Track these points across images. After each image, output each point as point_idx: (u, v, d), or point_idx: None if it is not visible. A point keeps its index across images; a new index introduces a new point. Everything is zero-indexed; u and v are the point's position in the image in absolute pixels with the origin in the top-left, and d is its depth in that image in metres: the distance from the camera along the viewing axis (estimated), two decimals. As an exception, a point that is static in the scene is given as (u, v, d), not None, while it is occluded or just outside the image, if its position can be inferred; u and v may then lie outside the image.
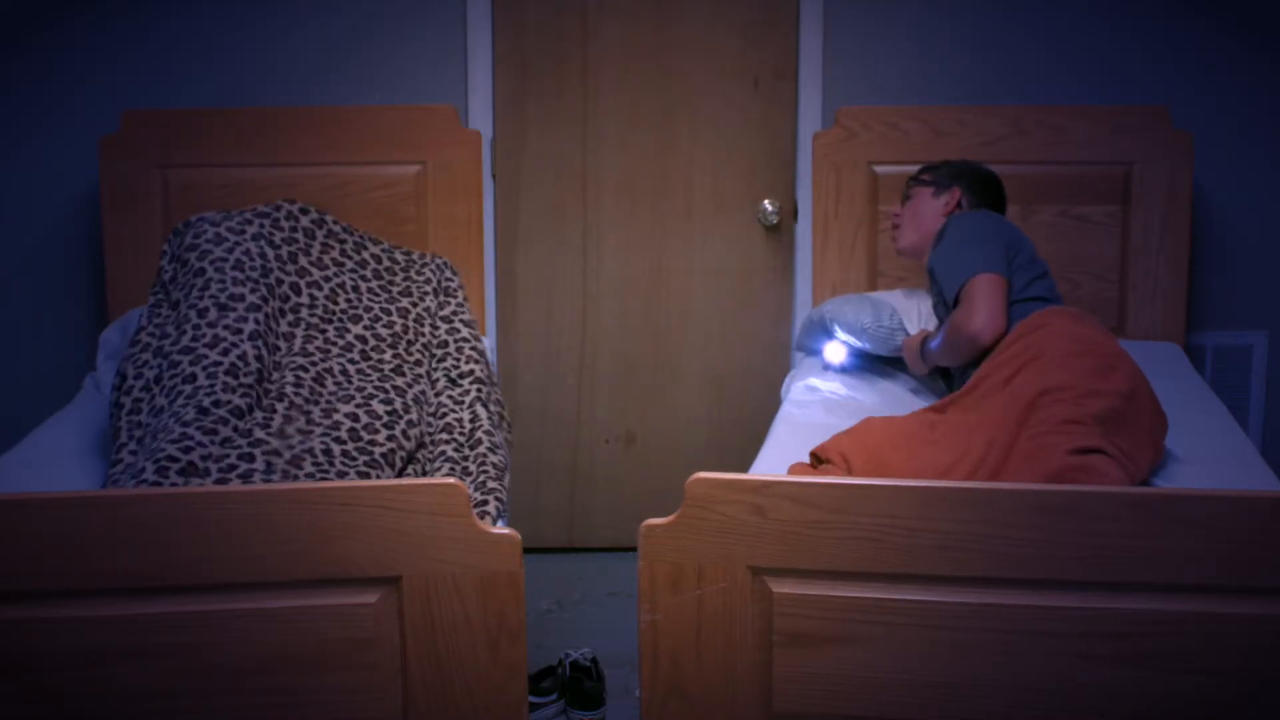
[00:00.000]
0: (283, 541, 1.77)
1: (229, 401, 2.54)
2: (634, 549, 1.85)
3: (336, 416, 2.59)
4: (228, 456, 2.44)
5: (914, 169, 3.49)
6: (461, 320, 3.19)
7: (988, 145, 3.65)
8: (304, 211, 3.13)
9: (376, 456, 2.52)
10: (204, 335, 2.70)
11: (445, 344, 3.07)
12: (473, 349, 3.10)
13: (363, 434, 2.55)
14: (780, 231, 3.92)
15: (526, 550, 1.86)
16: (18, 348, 3.83)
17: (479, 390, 2.96)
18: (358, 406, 2.62)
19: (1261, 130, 3.78)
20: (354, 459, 2.51)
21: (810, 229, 3.77)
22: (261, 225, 3.01)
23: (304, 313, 2.91)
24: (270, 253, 2.96)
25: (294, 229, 3.07)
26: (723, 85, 3.84)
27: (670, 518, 1.79)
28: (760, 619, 1.80)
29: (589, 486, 4.05)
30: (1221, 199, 3.81)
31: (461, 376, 3.00)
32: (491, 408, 2.96)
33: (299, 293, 2.94)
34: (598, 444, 4.03)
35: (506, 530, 1.81)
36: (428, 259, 3.35)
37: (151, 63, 3.73)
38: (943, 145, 3.65)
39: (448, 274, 3.32)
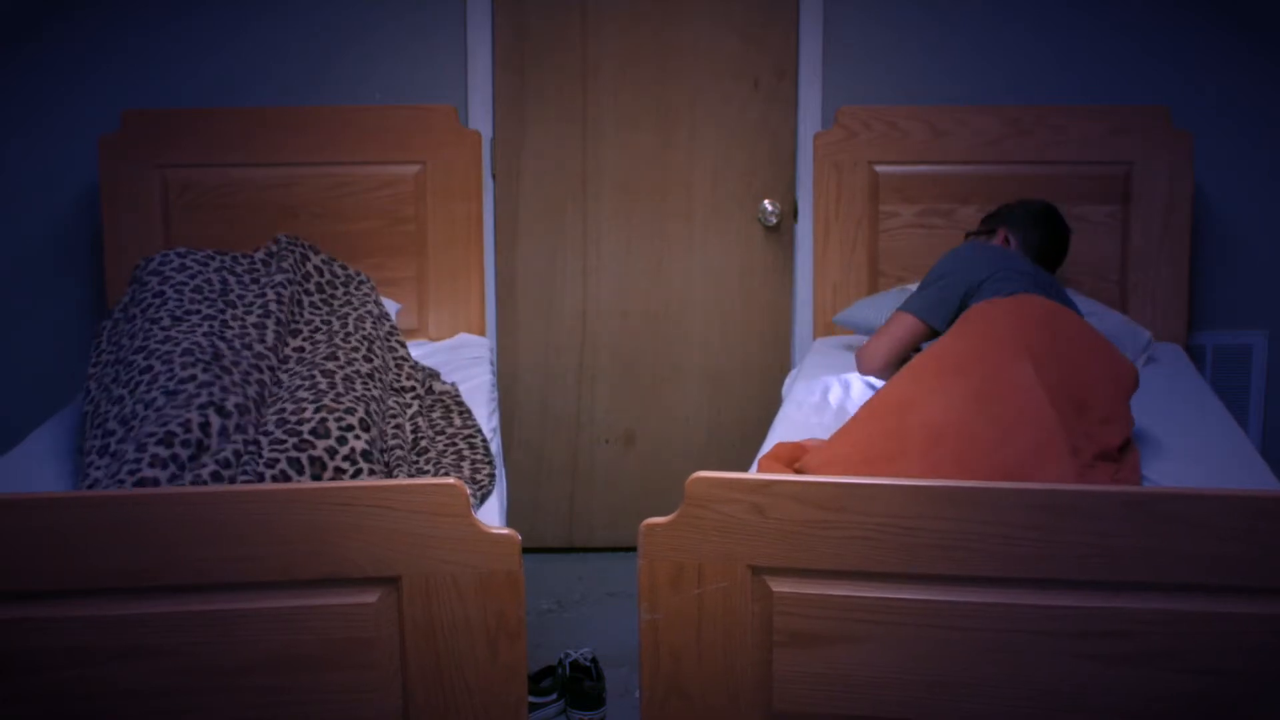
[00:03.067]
0: (283, 541, 1.77)
1: (194, 377, 2.58)
2: (634, 549, 1.85)
3: (267, 424, 2.61)
4: (208, 441, 2.46)
5: (914, 169, 3.49)
6: (397, 340, 3.26)
7: (988, 145, 3.65)
8: (257, 250, 3.30)
9: (305, 434, 2.49)
10: (155, 335, 2.77)
11: (387, 365, 3.13)
12: (411, 367, 3.19)
13: (289, 418, 2.55)
14: (780, 231, 3.92)
15: (526, 550, 1.86)
16: (17, 347, 3.83)
17: (419, 404, 3.05)
18: (285, 402, 2.63)
19: (1261, 130, 3.78)
20: (282, 442, 2.49)
21: (810, 229, 3.77)
22: (224, 260, 3.17)
23: (272, 306, 3.00)
24: (231, 279, 3.09)
25: (252, 264, 3.23)
26: (723, 85, 3.84)
27: (670, 517, 1.79)
28: (760, 618, 1.80)
29: (589, 486, 4.05)
30: (1221, 199, 3.82)
31: (403, 390, 3.08)
32: (436, 415, 3.06)
33: (264, 296, 3.04)
34: (597, 444, 4.03)
35: (506, 530, 1.81)
36: (362, 277, 3.42)
37: (151, 63, 3.73)
38: (942, 145, 3.66)
39: (377, 294, 3.39)
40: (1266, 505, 1.67)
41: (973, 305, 2.86)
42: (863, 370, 3.12)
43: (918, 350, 3.11)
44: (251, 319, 2.93)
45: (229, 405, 2.51)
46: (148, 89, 3.72)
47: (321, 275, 3.31)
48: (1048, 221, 3.31)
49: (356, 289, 3.35)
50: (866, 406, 2.58)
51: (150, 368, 2.66)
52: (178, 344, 2.71)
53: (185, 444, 2.41)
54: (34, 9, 3.68)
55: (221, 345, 2.74)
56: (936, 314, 3.04)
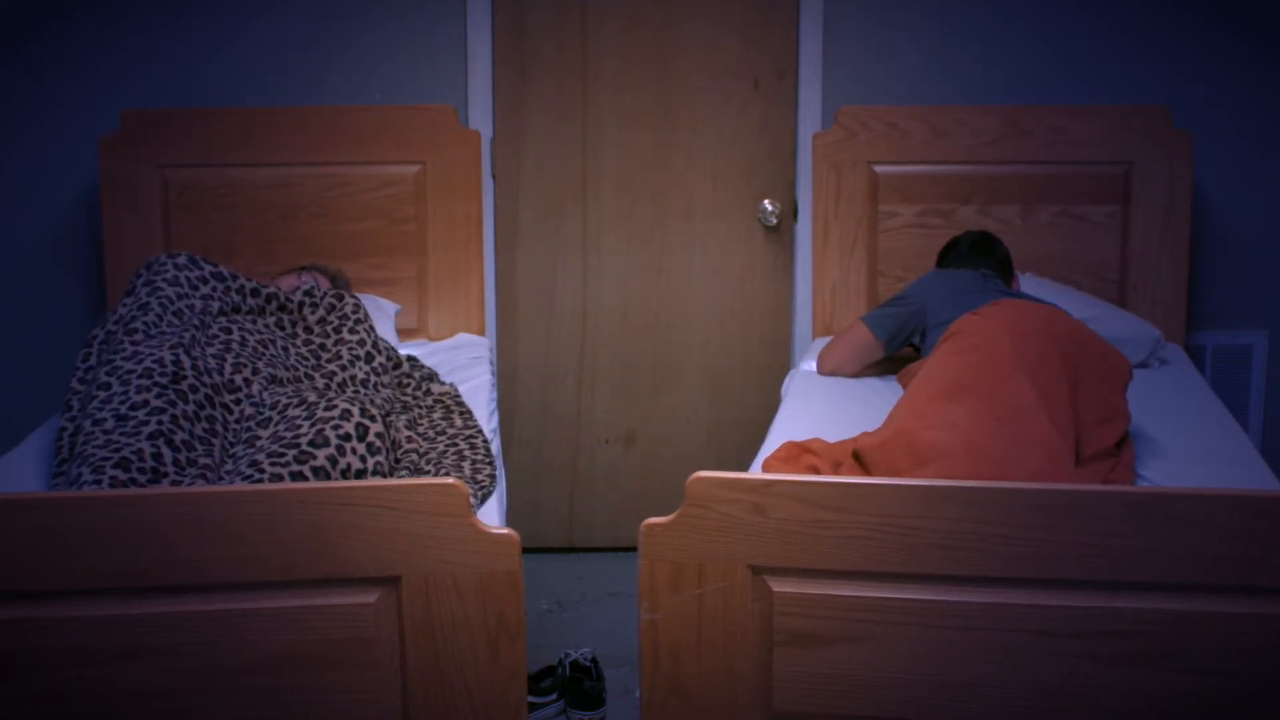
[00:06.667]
0: (283, 541, 1.77)
1: (145, 403, 2.55)
2: (634, 549, 1.85)
3: (260, 441, 2.59)
4: (163, 469, 2.45)
5: (914, 169, 3.48)
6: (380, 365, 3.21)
7: (988, 145, 3.65)
8: (255, 294, 3.15)
9: (304, 447, 2.48)
10: (124, 350, 2.71)
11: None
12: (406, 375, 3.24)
13: (284, 434, 2.54)
14: (780, 231, 3.92)
15: (526, 550, 1.86)
16: (17, 347, 3.83)
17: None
18: (275, 425, 2.62)
19: (1261, 130, 3.78)
20: (282, 455, 2.47)
21: (810, 229, 3.77)
22: (214, 289, 3.06)
23: (234, 346, 2.91)
24: (214, 306, 3.02)
25: (241, 300, 3.12)
26: (723, 85, 3.84)
27: (670, 517, 1.79)
28: (760, 618, 1.80)
29: (589, 486, 4.05)
30: (1221, 199, 3.82)
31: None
32: (436, 415, 3.08)
33: (229, 333, 2.96)
34: (598, 444, 4.03)
35: (506, 530, 1.81)
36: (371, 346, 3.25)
37: (151, 63, 3.73)
38: (942, 145, 3.66)
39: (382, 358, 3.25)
40: (1266, 505, 1.67)
41: (963, 317, 2.86)
42: (819, 369, 3.36)
43: (895, 361, 3.28)
44: (214, 347, 2.86)
45: (177, 440, 2.50)
46: (148, 89, 3.72)
47: (310, 345, 3.15)
48: (976, 250, 3.35)
49: (353, 344, 3.17)
50: (867, 435, 2.59)
51: (108, 385, 2.62)
52: (140, 360, 2.66)
53: (141, 470, 2.40)
54: (34, 9, 3.68)
55: (187, 363, 2.68)
56: (884, 329, 3.24)
